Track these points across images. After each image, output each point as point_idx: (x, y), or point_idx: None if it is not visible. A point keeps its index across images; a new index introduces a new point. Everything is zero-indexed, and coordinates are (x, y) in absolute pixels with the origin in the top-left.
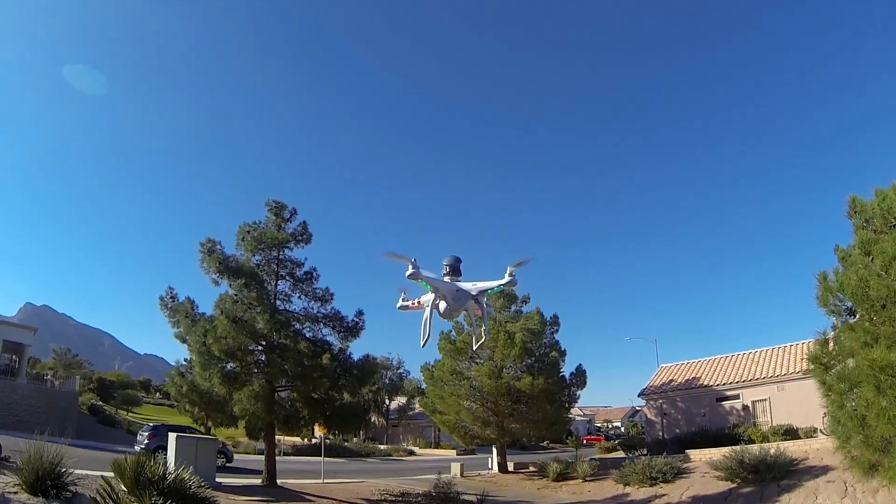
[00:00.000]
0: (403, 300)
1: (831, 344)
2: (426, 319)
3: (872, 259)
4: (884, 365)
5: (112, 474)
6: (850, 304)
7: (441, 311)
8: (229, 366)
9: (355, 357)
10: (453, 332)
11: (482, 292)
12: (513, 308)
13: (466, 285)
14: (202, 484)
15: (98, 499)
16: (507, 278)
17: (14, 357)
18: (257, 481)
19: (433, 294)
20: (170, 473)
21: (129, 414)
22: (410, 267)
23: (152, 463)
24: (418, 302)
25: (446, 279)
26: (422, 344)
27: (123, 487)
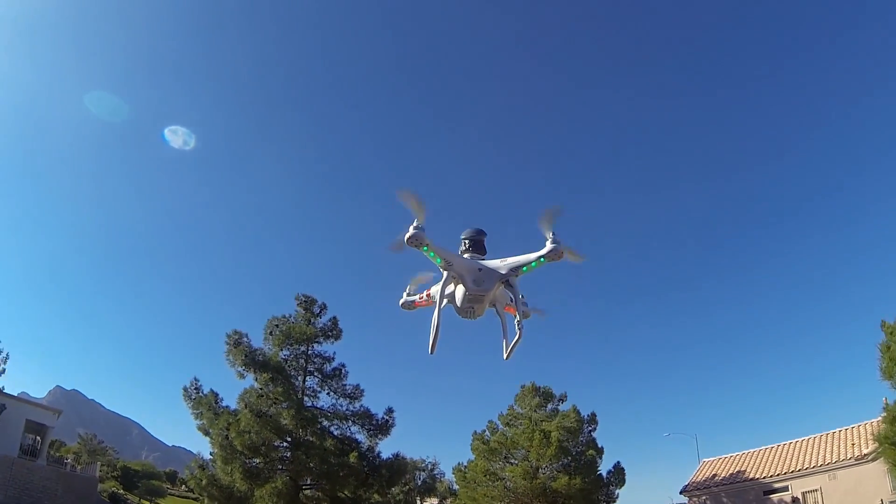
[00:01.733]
0: (409, 294)
1: None
2: (436, 316)
3: None
4: None
5: None
6: None
7: (458, 302)
8: (252, 461)
9: (385, 456)
10: (487, 433)
11: (515, 270)
12: (549, 407)
13: (492, 262)
14: None
15: None
16: (548, 246)
17: (37, 438)
18: None
19: (444, 270)
20: None
21: None
22: (412, 227)
23: None
24: (427, 295)
25: (466, 257)
26: (430, 350)
27: None
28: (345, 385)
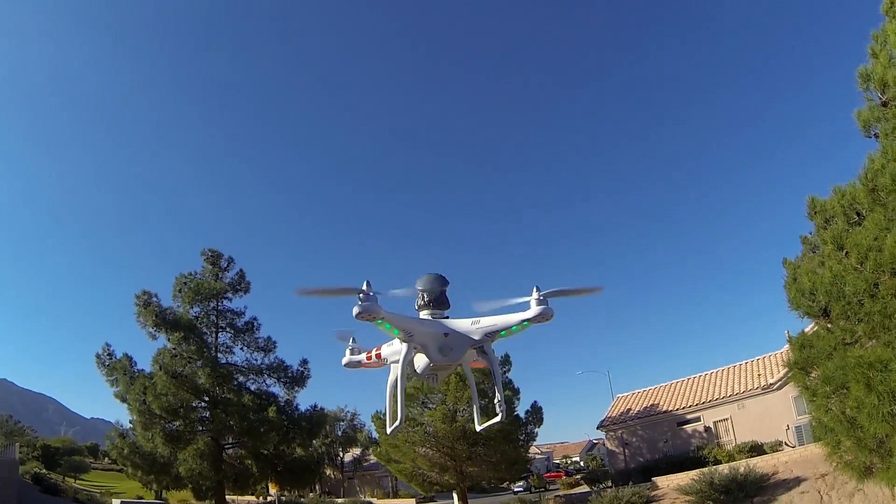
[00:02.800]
0: (352, 352)
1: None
2: (393, 387)
3: (847, 253)
4: (872, 361)
5: None
6: (823, 304)
7: (418, 369)
8: (172, 424)
9: (303, 408)
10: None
11: (491, 335)
12: None
13: (462, 324)
14: None
15: None
16: (534, 309)
17: None
18: None
19: (404, 343)
20: None
21: (77, 481)
22: (361, 297)
23: None
24: (377, 356)
25: (424, 315)
26: (389, 429)
27: None
28: (257, 338)
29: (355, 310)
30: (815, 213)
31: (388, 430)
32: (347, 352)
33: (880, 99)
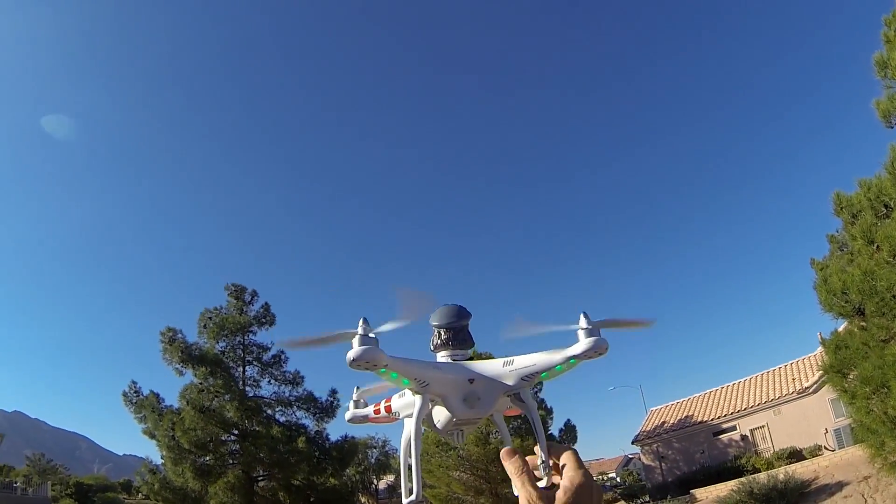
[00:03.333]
0: (356, 405)
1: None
2: (407, 449)
3: (878, 247)
4: None
5: None
6: (857, 302)
7: (440, 425)
8: (202, 458)
9: (333, 438)
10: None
11: (529, 379)
12: None
13: (491, 367)
14: None
15: None
16: (584, 342)
17: None
18: None
19: (417, 395)
20: None
21: None
22: (356, 341)
23: None
24: (386, 409)
25: (442, 357)
26: (405, 501)
27: None
28: (285, 371)
29: (349, 356)
30: (842, 208)
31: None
32: (351, 404)
33: None
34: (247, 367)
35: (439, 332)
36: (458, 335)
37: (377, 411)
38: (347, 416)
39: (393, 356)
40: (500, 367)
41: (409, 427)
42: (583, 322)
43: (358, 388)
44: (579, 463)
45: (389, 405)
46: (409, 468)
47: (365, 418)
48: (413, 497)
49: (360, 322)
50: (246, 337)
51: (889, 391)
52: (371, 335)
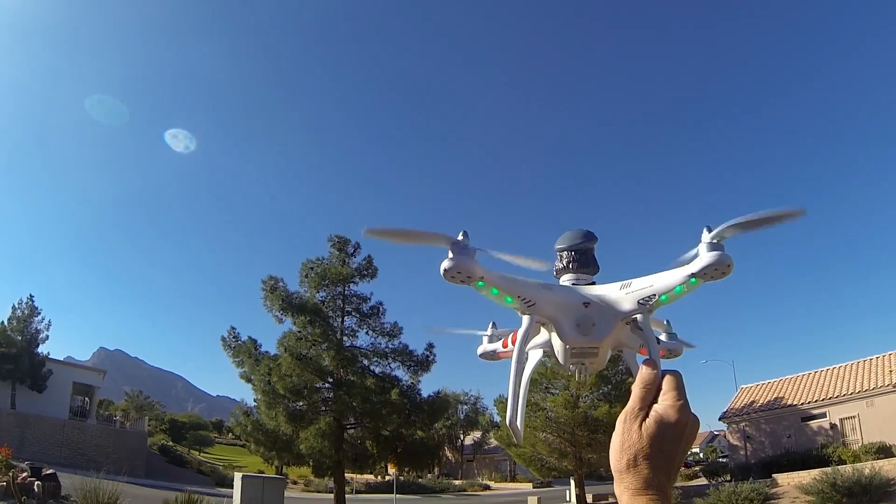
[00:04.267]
0: (490, 339)
1: None
2: (512, 382)
3: None
4: None
5: None
6: None
7: (559, 355)
8: (296, 404)
9: (426, 393)
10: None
11: (647, 302)
12: None
13: (606, 290)
14: None
15: None
16: (704, 257)
17: (85, 399)
18: None
19: (524, 315)
20: None
21: (201, 454)
22: (452, 249)
23: (204, 503)
24: (514, 340)
25: (566, 281)
26: (508, 419)
27: None
28: (383, 323)
29: (444, 265)
30: None
31: (508, 419)
32: (485, 339)
33: None
34: (345, 318)
35: (561, 256)
36: (583, 257)
37: (505, 345)
38: (479, 350)
39: (494, 272)
40: (617, 291)
41: (517, 348)
42: (705, 235)
43: (494, 324)
44: (678, 394)
45: (513, 336)
46: (514, 394)
47: (494, 353)
48: (508, 419)
49: (461, 233)
50: (346, 288)
51: None
52: (469, 247)
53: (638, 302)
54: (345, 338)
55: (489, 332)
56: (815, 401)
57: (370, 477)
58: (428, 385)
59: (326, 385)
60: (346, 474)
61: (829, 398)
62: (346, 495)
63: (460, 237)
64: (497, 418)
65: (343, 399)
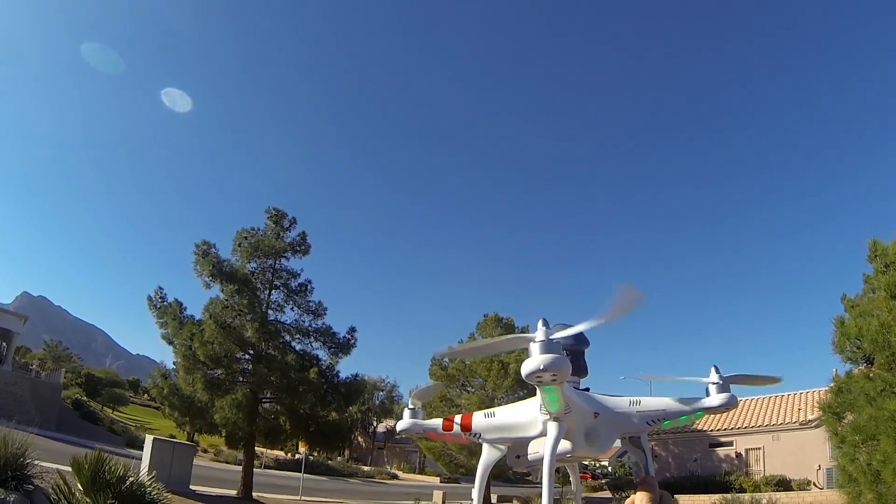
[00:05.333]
0: (414, 414)
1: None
2: (484, 478)
3: None
4: None
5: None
6: (868, 351)
7: (531, 455)
8: (214, 372)
9: (344, 375)
10: (446, 359)
11: (653, 423)
12: None
13: (617, 403)
14: (165, 490)
15: (53, 496)
16: (717, 397)
17: (2, 343)
18: (233, 492)
19: (554, 422)
20: (130, 476)
21: (114, 412)
22: (538, 349)
23: (113, 463)
24: (464, 426)
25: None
26: None
27: (80, 486)
28: (309, 301)
29: (537, 364)
30: (876, 256)
31: None
32: (407, 413)
33: None
34: (273, 291)
35: (573, 354)
36: (577, 361)
37: (448, 426)
38: (402, 426)
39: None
40: (627, 406)
41: (493, 455)
42: (713, 376)
43: (414, 390)
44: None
45: (469, 423)
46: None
47: (425, 433)
48: None
49: (540, 324)
50: (277, 261)
51: (877, 444)
52: (555, 340)
53: (647, 421)
54: (270, 311)
55: (411, 403)
56: (725, 429)
57: (280, 453)
58: (346, 368)
59: (247, 356)
60: (256, 448)
61: (739, 428)
62: (255, 469)
63: (541, 331)
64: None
65: (262, 372)
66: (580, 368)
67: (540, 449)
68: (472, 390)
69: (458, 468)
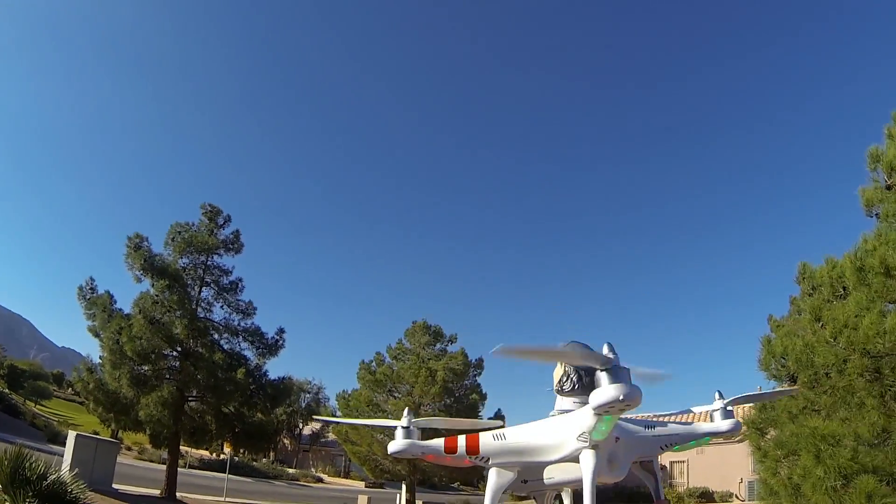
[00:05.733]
0: (408, 433)
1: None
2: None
3: (823, 325)
4: (825, 434)
5: None
6: (792, 370)
7: (546, 476)
8: (141, 368)
9: (272, 376)
10: (374, 364)
11: (665, 447)
12: (438, 346)
13: (634, 428)
14: (87, 489)
15: None
16: (723, 423)
17: None
18: (157, 492)
19: (590, 449)
20: (51, 473)
21: (37, 406)
22: (607, 378)
23: (34, 460)
24: (470, 447)
25: (570, 402)
26: None
27: None
28: (239, 300)
29: (614, 393)
30: (804, 279)
31: None
32: (400, 432)
33: (886, 182)
34: (203, 289)
35: (580, 375)
36: (591, 381)
37: (451, 448)
38: (396, 447)
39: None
40: (643, 430)
41: (504, 479)
42: (718, 402)
43: (409, 410)
44: None
45: (475, 446)
46: None
47: (423, 455)
48: None
49: (606, 349)
50: (210, 258)
51: (798, 459)
52: (626, 367)
53: (660, 446)
54: (199, 308)
55: (405, 422)
56: None
57: (205, 453)
58: (274, 370)
59: (174, 353)
60: (182, 447)
61: None
62: (179, 469)
63: (606, 353)
64: (338, 413)
65: (189, 370)
66: (592, 387)
67: (558, 475)
68: (400, 396)
69: (383, 473)
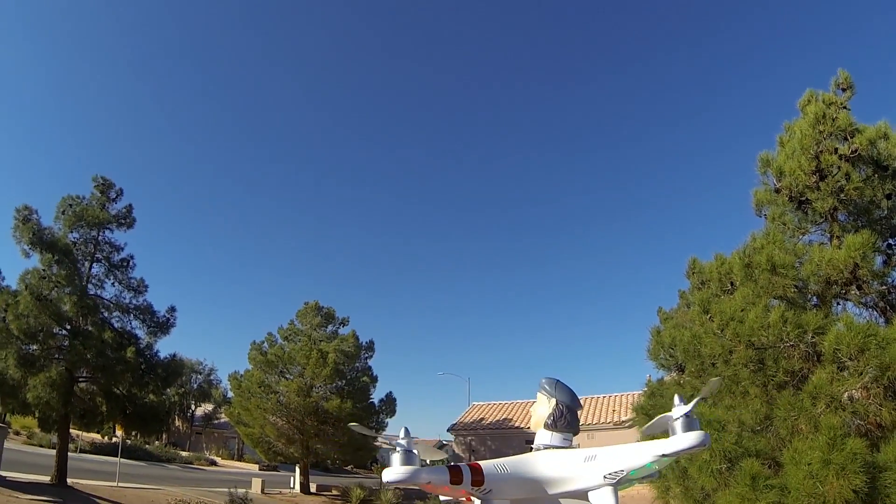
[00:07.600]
0: (408, 458)
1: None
2: None
3: (710, 318)
4: (711, 419)
5: None
6: (680, 360)
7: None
8: (29, 347)
9: (163, 355)
10: (265, 344)
11: (610, 477)
12: (329, 328)
13: (571, 459)
14: None
15: None
16: (683, 438)
17: None
18: (46, 478)
19: (612, 485)
20: None
21: None
22: (682, 425)
23: None
24: (476, 480)
25: (558, 437)
26: None
27: None
28: (130, 277)
29: (693, 441)
30: (694, 273)
31: None
32: (399, 457)
33: (775, 185)
34: (94, 264)
35: (574, 413)
36: (573, 419)
37: (456, 480)
38: (394, 475)
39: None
40: (582, 462)
41: None
42: (679, 409)
43: (407, 430)
44: None
45: (480, 478)
46: None
47: (428, 484)
48: None
49: (677, 399)
50: (101, 233)
51: None
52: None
53: (604, 476)
54: (90, 285)
55: (404, 442)
56: None
57: (97, 436)
58: (165, 349)
59: (63, 332)
60: (72, 431)
61: None
62: (70, 453)
63: (682, 405)
64: (230, 394)
65: (78, 349)
66: (576, 426)
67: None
68: (291, 377)
69: (276, 456)
